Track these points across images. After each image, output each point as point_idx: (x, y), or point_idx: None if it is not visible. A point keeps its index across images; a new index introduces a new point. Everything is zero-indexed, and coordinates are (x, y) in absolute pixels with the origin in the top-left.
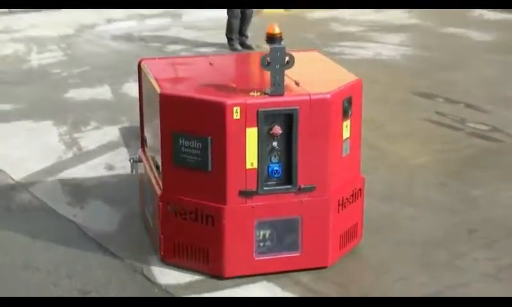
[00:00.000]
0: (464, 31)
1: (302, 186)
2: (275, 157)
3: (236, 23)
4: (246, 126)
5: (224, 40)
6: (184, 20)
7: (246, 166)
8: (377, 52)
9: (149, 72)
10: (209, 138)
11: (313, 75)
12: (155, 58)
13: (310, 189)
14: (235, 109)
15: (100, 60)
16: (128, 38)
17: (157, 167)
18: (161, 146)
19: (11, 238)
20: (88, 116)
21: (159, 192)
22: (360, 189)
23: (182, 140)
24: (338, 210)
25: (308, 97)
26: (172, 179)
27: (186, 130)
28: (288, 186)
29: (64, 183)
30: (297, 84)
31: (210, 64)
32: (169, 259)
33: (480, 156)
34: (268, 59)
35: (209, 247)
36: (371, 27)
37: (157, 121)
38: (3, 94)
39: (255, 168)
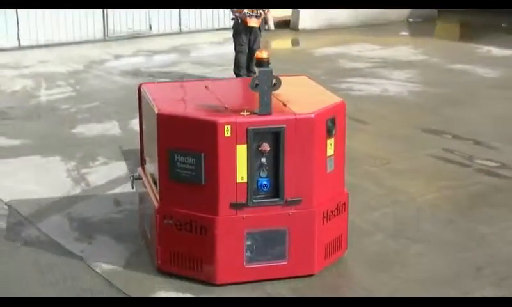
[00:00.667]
0: (472, 67)
1: (289, 199)
2: (264, 171)
3: (244, 59)
4: (236, 143)
5: (232, 76)
6: (191, 56)
7: (236, 180)
8: (384, 88)
9: (148, 94)
10: (202, 154)
11: (300, 96)
12: (154, 82)
13: (296, 202)
14: (226, 127)
15: (108, 96)
16: (136, 73)
17: (155, 183)
18: (158, 162)
19: (18, 273)
20: (96, 151)
21: (156, 205)
22: (344, 203)
23: (177, 156)
24: (323, 221)
25: (294, 116)
26: (168, 193)
27: (181, 147)
28: (276, 199)
29: (71, 218)
30: (284, 104)
31: (206, 87)
32: (166, 268)
33: (489, 193)
34: (257, 81)
35: (202, 255)
36: (378, 63)
37: (155, 139)
38: (12, 129)
39: (245, 182)
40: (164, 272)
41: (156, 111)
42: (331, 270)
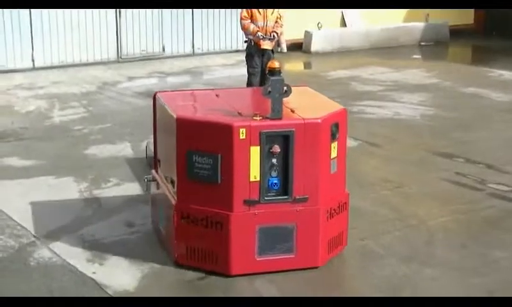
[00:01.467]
0: (484, 91)
1: (297, 197)
2: (274, 171)
3: (256, 81)
4: (250, 145)
5: None
6: (204, 78)
7: (249, 179)
8: (396, 112)
9: (164, 101)
10: (219, 155)
11: (305, 104)
12: (167, 91)
13: (303, 200)
14: (241, 130)
15: (121, 117)
16: (149, 95)
17: (172, 183)
18: (177, 163)
19: (30, 294)
20: (108, 172)
21: (173, 203)
22: (345, 203)
23: (195, 157)
24: (327, 218)
25: (302, 121)
26: (186, 191)
27: (199, 148)
28: (285, 197)
29: (84, 239)
30: (292, 111)
31: (217, 95)
32: (182, 261)
33: (501, 217)
34: (269, 88)
35: (217, 249)
36: (391, 86)
37: (173, 142)
38: (25, 150)
39: (257, 181)
40: (181, 264)
41: (175, 116)
42: (341, 290)
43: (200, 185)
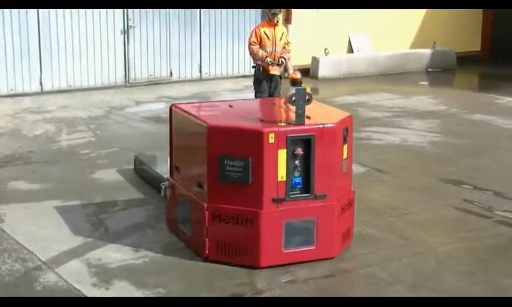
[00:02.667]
0: (492, 118)
1: (317, 194)
2: (297, 172)
3: None
4: (278, 148)
5: None
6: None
7: (277, 179)
8: (403, 138)
9: (187, 112)
10: (250, 158)
11: (317, 112)
12: (182, 103)
13: (322, 197)
14: (270, 135)
15: (128, 141)
16: (156, 119)
17: (200, 186)
18: (208, 167)
19: None
20: (115, 196)
21: (204, 204)
22: (352, 199)
23: (226, 161)
24: (341, 213)
25: (322, 126)
26: (217, 192)
27: (230, 153)
28: (308, 194)
29: (90, 264)
30: (308, 117)
31: (230, 106)
32: (213, 257)
33: (509, 245)
34: (294, 97)
35: (248, 243)
36: (398, 112)
37: (200, 149)
38: (32, 173)
39: (284, 180)
40: (212, 261)
41: (206, 124)
42: None
43: (231, 186)
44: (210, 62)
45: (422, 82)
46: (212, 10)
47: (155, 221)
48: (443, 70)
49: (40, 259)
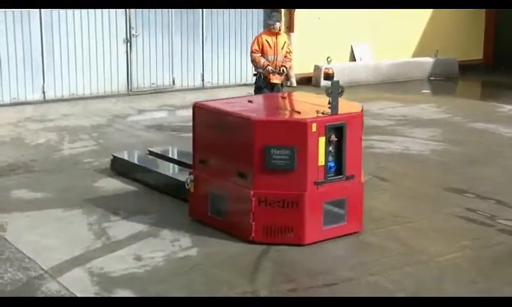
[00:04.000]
0: (494, 127)
1: (347, 175)
2: (331, 156)
3: None
4: (318, 136)
5: None
6: None
7: (318, 164)
8: (406, 146)
9: (218, 110)
10: (296, 147)
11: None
12: (204, 102)
13: (351, 177)
14: (313, 125)
15: (131, 149)
16: (159, 128)
17: (241, 175)
18: (254, 157)
19: None
20: (117, 205)
21: (250, 191)
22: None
23: (273, 150)
24: (362, 192)
25: (350, 115)
26: (263, 179)
27: (276, 143)
28: (340, 176)
29: (92, 273)
30: (317, 111)
31: (250, 101)
32: (259, 239)
33: (511, 253)
34: (330, 90)
35: (293, 224)
36: (400, 121)
37: (242, 141)
38: (34, 182)
39: (323, 165)
40: (258, 243)
41: (250, 119)
42: None
43: (276, 173)
44: (213, 71)
45: (424, 91)
46: (214, 19)
47: (158, 230)
48: (445, 79)
49: (42, 268)
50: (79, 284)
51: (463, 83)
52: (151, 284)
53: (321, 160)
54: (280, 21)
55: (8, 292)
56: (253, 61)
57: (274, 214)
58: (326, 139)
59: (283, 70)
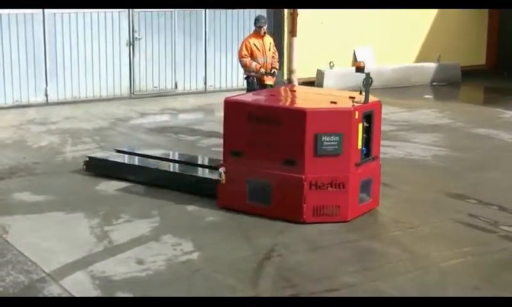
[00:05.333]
0: (496, 132)
1: (373, 157)
2: (363, 140)
3: None
4: (358, 123)
5: None
6: (216, 115)
7: (358, 148)
8: (408, 152)
9: (261, 102)
10: (343, 133)
11: (345, 94)
12: (232, 97)
13: (375, 158)
14: (356, 112)
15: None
16: (161, 131)
17: (289, 162)
18: (305, 145)
19: None
20: (119, 208)
21: (301, 176)
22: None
23: (324, 137)
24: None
25: (377, 103)
26: (314, 165)
27: (327, 130)
28: (369, 157)
29: (94, 276)
30: (352, 98)
31: (272, 95)
32: (309, 219)
33: None
34: (364, 81)
35: (340, 203)
36: (403, 126)
37: (289, 131)
38: (36, 185)
39: (360, 148)
40: (309, 223)
41: (304, 110)
42: None
43: (325, 158)
44: (215, 75)
45: (426, 96)
46: (217, 23)
47: (160, 234)
48: (447, 84)
49: (44, 271)
50: (80, 288)
51: (465, 88)
52: (153, 288)
53: (359, 144)
54: (265, 24)
55: (10, 295)
56: (245, 65)
57: (322, 196)
58: (362, 125)
59: (274, 72)
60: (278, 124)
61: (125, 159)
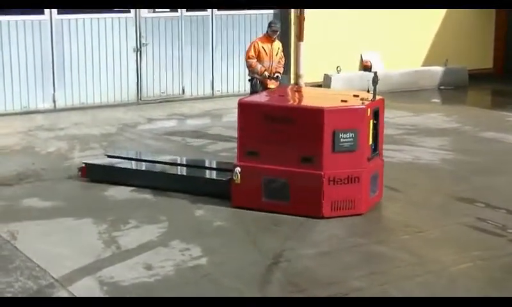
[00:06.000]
0: (504, 136)
1: (378, 152)
2: (372, 136)
3: None
4: (370, 120)
5: None
6: (224, 120)
7: (369, 143)
8: (416, 156)
9: (274, 104)
10: (358, 130)
11: (349, 93)
12: (246, 98)
13: (379, 154)
14: (368, 110)
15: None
16: (169, 137)
17: (308, 160)
18: (323, 142)
19: None
20: (127, 214)
21: (320, 172)
22: None
23: (341, 134)
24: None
25: (382, 100)
26: (331, 161)
27: (343, 127)
28: (376, 153)
29: (102, 282)
30: (356, 96)
31: (281, 95)
32: (328, 214)
33: None
34: (373, 80)
35: (356, 197)
36: (410, 130)
37: (308, 129)
38: (45, 190)
39: (370, 143)
40: (327, 217)
41: (322, 108)
42: None
43: (342, 154)
44: (222, 80)
45: (434, 100)
46: (224, 28)
47: (168, 239)
48: (455, 88)
49: (52, 277)
50: (89, 293)
51: (472, 92)
52: (161, 294)
53: (370, 140)
54: (279, 30)
55: None
56: (250, 66)
57: (339, 190)
58: (372, 121)
59: (277, 76)
60: (294, 123)
61: (124, 164)
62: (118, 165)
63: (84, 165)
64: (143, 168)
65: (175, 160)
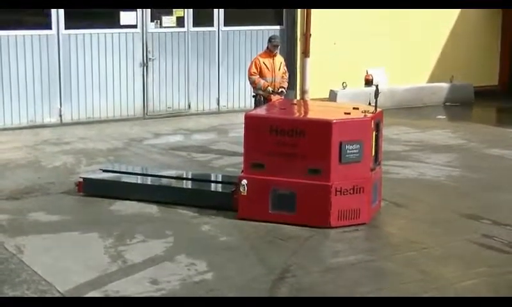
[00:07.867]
0: (509, 153)
1: (378, 162)
2: (374, 147)
3: None
4: (373, 131)
5: None
6: (230, 136)
7: (372, 154)
8: (421, 172)
9: (279, 118)
10: (363, 141)
11: (352, 106)
12: (252, 112)
13: (380, 164)
14: (372, 121)
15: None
16: (175, 152)
17: (315, 171)
18: (331, 153)
19: None
20: (133, 229)
21: (328, 183)
22: None
23: (347, 146)
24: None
25: (381, 112)
26: (338, 172)
27: (349, 139)
28: (377, 163)
29: (108, 296)
30: (356, 109)
31: (283, 109)
32: (335, 223)
33: None
34: (375, 92)
35: (360, 206)
36: (415, 146)
37: (315, 141)
38: (50, 205)
39: (373, 155)
40: (335, 227)
41: (330, 121)
42: None
43: (348, 166)
44: (228, 95)
45: (439, 116)
46: (230, 43)
47: (174, 254)
48: (460, 104)
49: (58, 291)
50: None
51: (478, 109)
52: None
53: (373, 151)
54: (280, 44)
55: None
56: (253, 83)
57: (346, 200)
58: (374, 133)
59: (281, 91)
60: (301, 135)
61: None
62: (114, 180)
63: (81, 179)
64: (139, 182)
65: (171, 174)
